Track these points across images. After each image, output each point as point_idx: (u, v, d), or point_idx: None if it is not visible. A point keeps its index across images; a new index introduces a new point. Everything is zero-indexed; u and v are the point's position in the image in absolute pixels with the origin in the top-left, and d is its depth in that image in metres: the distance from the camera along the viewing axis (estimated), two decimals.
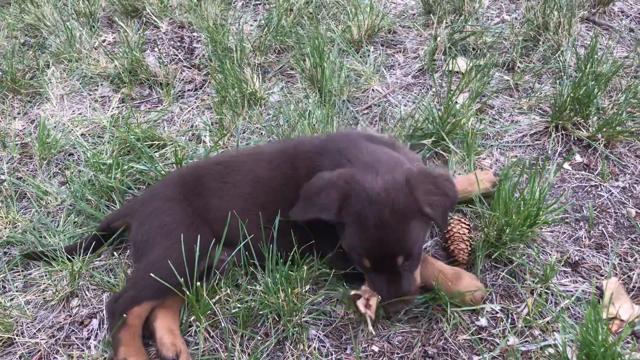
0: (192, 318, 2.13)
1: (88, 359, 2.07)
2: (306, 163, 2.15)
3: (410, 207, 1.86)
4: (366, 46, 3.42)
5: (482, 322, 2.08)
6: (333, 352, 2.04)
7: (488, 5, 3.71)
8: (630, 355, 1.81)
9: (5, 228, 2.59)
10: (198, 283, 2.01)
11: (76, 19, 3.94)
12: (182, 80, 3.41)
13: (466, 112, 2.77)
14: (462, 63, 3.20)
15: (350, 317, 2.10)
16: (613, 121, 2.62)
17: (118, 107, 3.24)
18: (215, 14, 3.79)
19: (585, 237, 2.34)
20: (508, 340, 2.00)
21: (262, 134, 2.93)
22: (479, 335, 2.04)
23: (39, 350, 2.13)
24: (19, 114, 3.29)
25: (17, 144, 3.03)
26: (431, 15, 3.59)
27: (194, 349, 2.06)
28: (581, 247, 2.30)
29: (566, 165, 2.62)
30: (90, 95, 3.34)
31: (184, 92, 3.33)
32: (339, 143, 2.17)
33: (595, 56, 2.89)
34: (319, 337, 2.08)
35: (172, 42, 3.73)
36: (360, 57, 3.36)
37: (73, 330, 2.20)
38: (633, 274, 2.18)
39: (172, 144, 2.89)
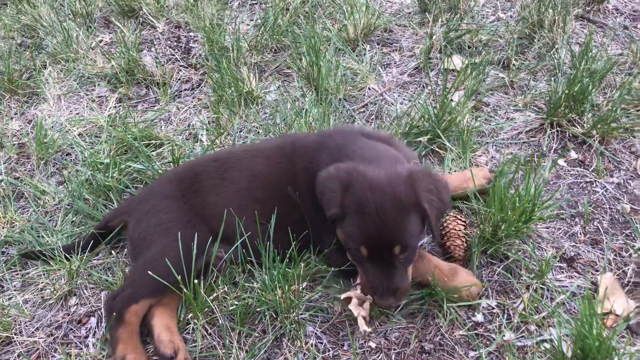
0: (190, 315, 2.14)
1: (86, 357, 2.08)
2: (304, 158, 2.16)
3: (411, 200, 1.87)
4: (362, 45, 3.44)
5: (478, 317, 2.09)
6: (330, 349, 2.05)
7: (483, 3, 3.72)
8: (625, 349, 1.82)
9: (3, 228, 2.59)
10: (195, 281, 2.02)
11: (73, 19, 3.94)
12: (179, 79, 3.42)
13: (462, 109, 2.79)
14: (457, 61, 3.21)
15: (347, 314, 2.11)
16: (607, 118, 2.64)
17: (115, 106, 3.25)
18: (211, 13, 3.79)
19: (580, 233, 2.35)
20: (504, 335, 2.02)
21: (258, 132, 2.94)
22: (475, 331, 2.05)
23: (37, 349, 2.14)
24: (16, 114, 3.29)
25: (14, 144, 3.04)
26: (427, 13, 3.61)
27: (192, 346, 2.07)
28: (576, 243, 2.32)
29: (561, 162, 2.63)
30: (88, 95, 3.35)
31: (181, 91, 3.34)
32: (337, 139, 2.18)
33: (590, 53, 2.91)
34: (316, 333, 2.09)
35: (169, 42, 3.73)
36: (357, 55, 3.37)
37: (71, 329, 2.20)
38: (628, 269, 2.19)
39: (169, 143, 2.89)
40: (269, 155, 2.25)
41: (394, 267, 1.89)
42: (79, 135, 3.04)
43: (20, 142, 3.08)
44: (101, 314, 2.21)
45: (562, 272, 2.21)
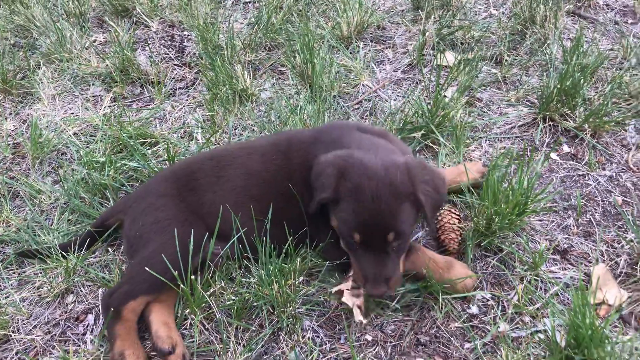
0: (187, 311, 2.15)
1: (84, 354, 2.09)
2: (300, 154, 2.17)
3: (406, 188, 1.88)
4: (356, 42, 3.46)
5: (473, 309, 2.11)
6: (327, 342, 2.06)
7: (475, 0, 3.75)
8: (617, 339, 1.85)
9: None
10: (192, 277, 2.03)
11: (66, 19, 3.94)
12: (174, 78, 3.43)
13: (455, 105, 2.81)
14: (450, 57, 3.24)
15: (343, 307, 2.12)
16: (599, 112, 2.67)
17: (110, 106, 3.25)
18: (205, 12, 3.80)
19: (573, 225, 2.38)
20: (499, 326, 2.04)
21: (253, 130, 2.96)
22: (471, 323, 2.08)
23: (35, 347, 2.14)
24: (10, 114, 3.29)
25: (9, 144, 3.04)
26: (419, 10, 3.63)
27: (190, 341, 2.08)
28: (569, 235, 2.34)
29: (554, 156, 2.66)
30: (82, 94, 3.35)
31: (176, 90, 3.35)
32: (332, 133, 2.19)
33: (581, 49, 2.93)
34: (312, 327, 2.11)
35: (163, 41, 3.74)
36: (350, 53, 3.39)
37: (69, 326, 2.21)
38: (620, 259, 2.22)
39: (165, 141, 2.90)
40: (264, 152, 2.26)
41: (387, 255, 1.89)
42: (74, 134, 3.05)
43: (15, 142, 3.08)
44: (98, 311, 2.22)
45: (556, 264, 2.24)
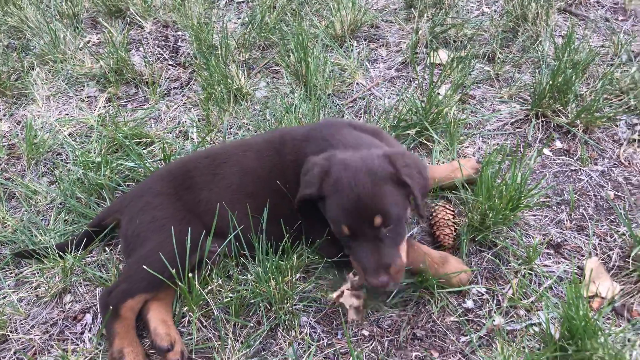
0: (185, 309, 2.17)
1: (83, 352, 2.10)
2: (293, 150, 2.19)
3: (385, 171, 1.90)
4: (349, 41, 3.47)
5: (469, 303, 2.14)
6: (324, 338, 2.08)
7: None
8: (610, 330, 1.88)
9: None
10: (190, 274, 2.04)
11: (60, 20, 3.94)
12: (168, 78, 3.43)
13: (448, 102, 2.84)
14: (443, 55, 3.26)
15: (338, 306, 2.14)
16: (591, 107, 2.70)
17: (105, 106, 3.26)
18: (199, 12, 3.81)
19: (566, 220, 2.41)
20: (494, 320, 2.06)
21: (248, 128, 2.97)
22: (466, 317, 2.10)
23: (34, 346, 2.15)
24: (4, 115, 3.29)
25: (4, 145, 3.04)
26: (412, 9, 3.65)
27: (188, 338, 2.09)
28: (563, 229, 2.37)
29: (547, 151, 2.69)
30: (77, 95, 3.35)
31: (170, 90, 3.35)
32: (323, 130, 2.22)
33: (573, 45, 2.97)
34: (310, 323, 2.12)
35: (157, 42, 3.74)
36: (344, 51, 3.41)
37: (67, 326, 2.22)
38: (612, 253, 2.25)
39: (160, 141, 2.91)
40: (259, 150, 2.28)
41: (380, 242, 1.88)
42: (69, 135, 3.05)
43: (10, 143, 3.08)
44: (96, 310, 2.23)
45: (549, 258, 2.27)
